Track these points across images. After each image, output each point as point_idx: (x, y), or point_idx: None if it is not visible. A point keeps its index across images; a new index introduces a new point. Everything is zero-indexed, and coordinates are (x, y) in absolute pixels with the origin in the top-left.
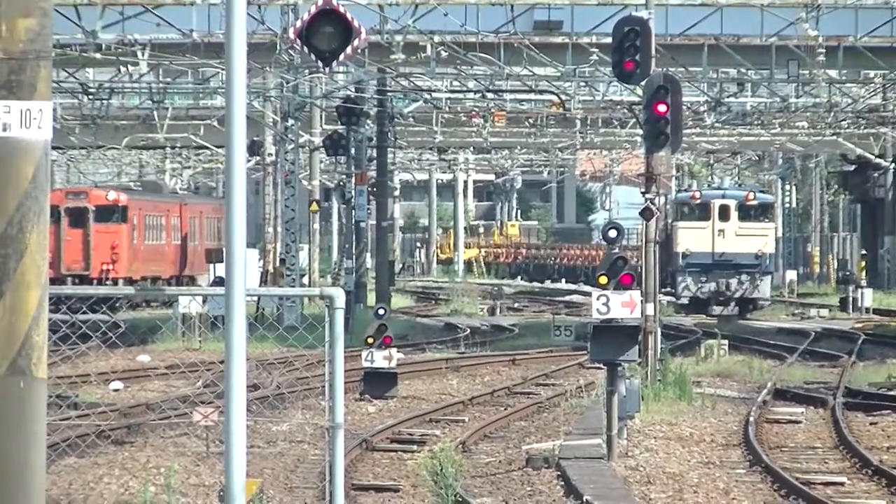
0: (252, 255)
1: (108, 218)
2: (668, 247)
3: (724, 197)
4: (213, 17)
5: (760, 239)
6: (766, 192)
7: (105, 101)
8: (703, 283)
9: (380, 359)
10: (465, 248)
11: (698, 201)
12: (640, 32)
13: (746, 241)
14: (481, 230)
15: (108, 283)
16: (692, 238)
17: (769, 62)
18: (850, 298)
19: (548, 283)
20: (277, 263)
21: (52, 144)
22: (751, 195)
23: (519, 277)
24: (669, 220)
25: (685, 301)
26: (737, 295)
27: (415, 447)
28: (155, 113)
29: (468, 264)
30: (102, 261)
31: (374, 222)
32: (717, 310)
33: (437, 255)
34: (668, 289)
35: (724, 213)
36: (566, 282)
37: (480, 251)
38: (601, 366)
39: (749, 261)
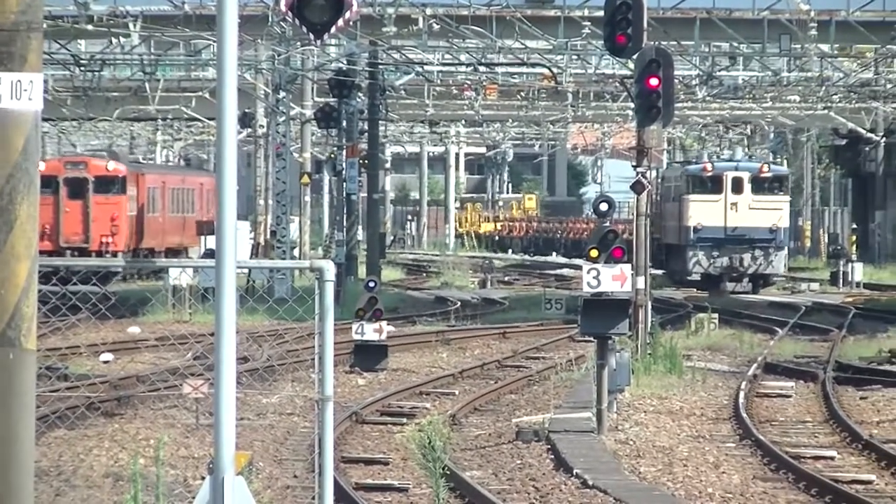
0: (243, 228)
1: (108, 189)
2: (660, 221)
3: (737, 169)
4: None
5: (774, 213)
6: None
7: (97, 73)
8: (715, 259)
9: (370, 331)
10: (485, 221)
11: (710, 173)
12: (632, 6)
13: (760, 214)
14: (500, 203)
15: (107, 255)
16: (704, 211)
17: (761, 36)
18: (841, 272)
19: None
20: (268, 236)
21: (44, 116)
22: (765, 167)
23: (511, 252)
24: (666, 194)
25: (696, 277)
26: (750, 271)
27: (405, 420)
28: (146, 85)
29: (475, 237)
30: (102, 233)
31: (365, 195)
32: (729, 286)
33: (456, 229)
34: (678, 265)
35: (737, 186)
36: (567, 256)
37: (496, 225)
38: (591, 339)
39: (763, 235)
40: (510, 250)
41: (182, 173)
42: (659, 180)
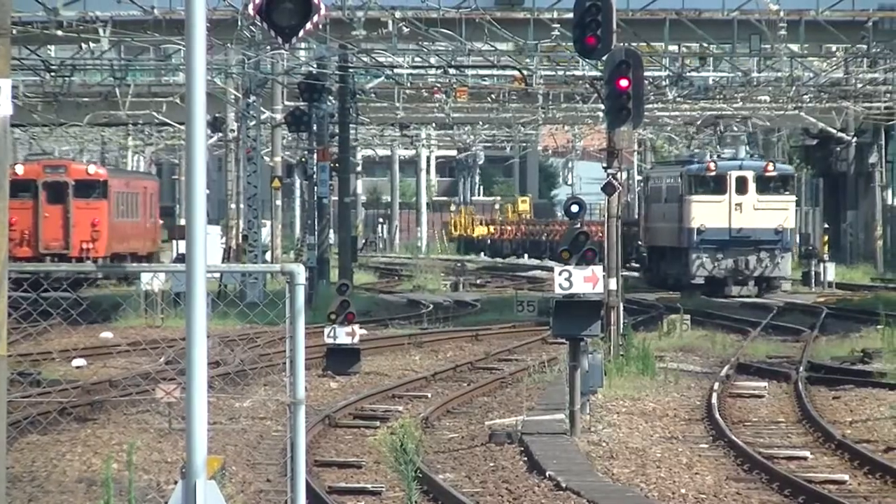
0: (214, 232)
1: (89, 193)
2: (646, 223)
3: (741, 168)
4: None
5: (780, 213)
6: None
7: (67, 79)
8: (719, 262)
9: (342, 335)
10: (478, 224)
11: (713, 173)
12: (601, 7)
13: (765, 215)
14: (497, 206)
15: (88, 262)
16: (707, 212)
17: (731, 36)
18: (813, 273)
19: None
20: (240, 240)
21: (15, 122)
22: (770, 166)
23: (484, 255)
24: (654, 195)
25: (700, 281)
26: (755, 274)
27: (377, 423)
28: (117, 90)
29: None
30: (82, 239)
31: (336, 198)
32: (735, 290)
33: (451, 233)
34: (675, 268)
35: (741, 186)
36: (553, 258)
37: (488, 228)
38: (564, 341)
39: (769, 237)
40: (482, 252)
41: (125, 177)
42: (642, 181)
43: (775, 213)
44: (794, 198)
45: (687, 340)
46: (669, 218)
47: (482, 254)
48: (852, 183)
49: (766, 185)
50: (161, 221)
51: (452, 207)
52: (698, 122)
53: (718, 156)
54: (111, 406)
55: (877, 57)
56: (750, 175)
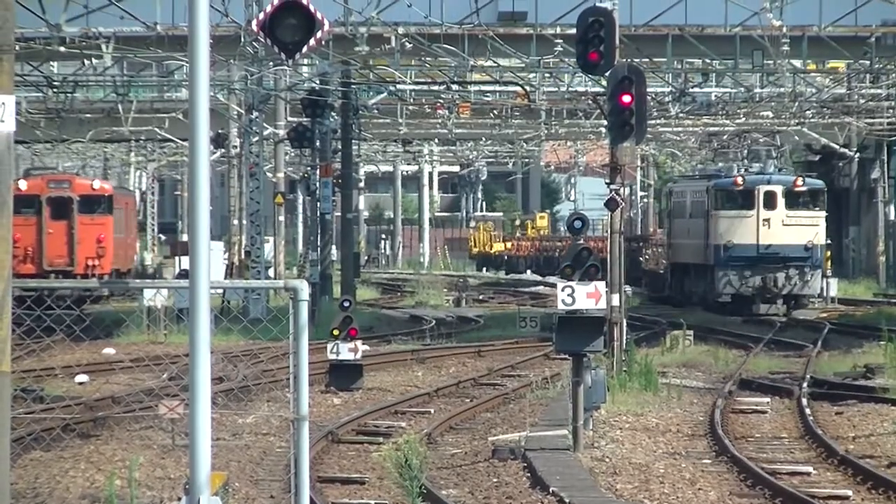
0: (217, 248)
1: (94, 209)
2: (669, 239)
3: (769, 182)
4: (177, 9)
5: (810, 229)
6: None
7: (69, 95)
8: (747, 279)
9: (345, 351)
10: (496, 241)
11: (741, 188)
12: (604, 23)
13: (795, 231)
14: (518, 223)
15: (93, 279)
16: (734, 228)
17: (734, 52)
18: None
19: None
20: (243, 256)
21: (17, 138)
22: (799, 180)
23: (486, 270)
24: (678, 210)
25: (727, 299)
26: (784, 291)
27: (381, 439)
28: (119, 106)
29: (491, 257)
30: (87, 255)
31: (339, 214)
32: (763, 308)
33: (471, 250)
34: (700, 286)
35: (769, 201)
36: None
37: (506, 244)
38: (567, 357)
39: (798, 253)
40: (485, 268)
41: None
42: (664, 194)
43: (805, 229)
44: (823, 213)
45: (689, 356)
46: (694, 234)
47: (483, 269)
48: (855, 198)
49: (795, 200)
50: (163, 237)
51: (472, 224)
52: (724, 137)
53: (746, 170)
54: (114, 422)
55: (879, 73)
56: (779, 190)
